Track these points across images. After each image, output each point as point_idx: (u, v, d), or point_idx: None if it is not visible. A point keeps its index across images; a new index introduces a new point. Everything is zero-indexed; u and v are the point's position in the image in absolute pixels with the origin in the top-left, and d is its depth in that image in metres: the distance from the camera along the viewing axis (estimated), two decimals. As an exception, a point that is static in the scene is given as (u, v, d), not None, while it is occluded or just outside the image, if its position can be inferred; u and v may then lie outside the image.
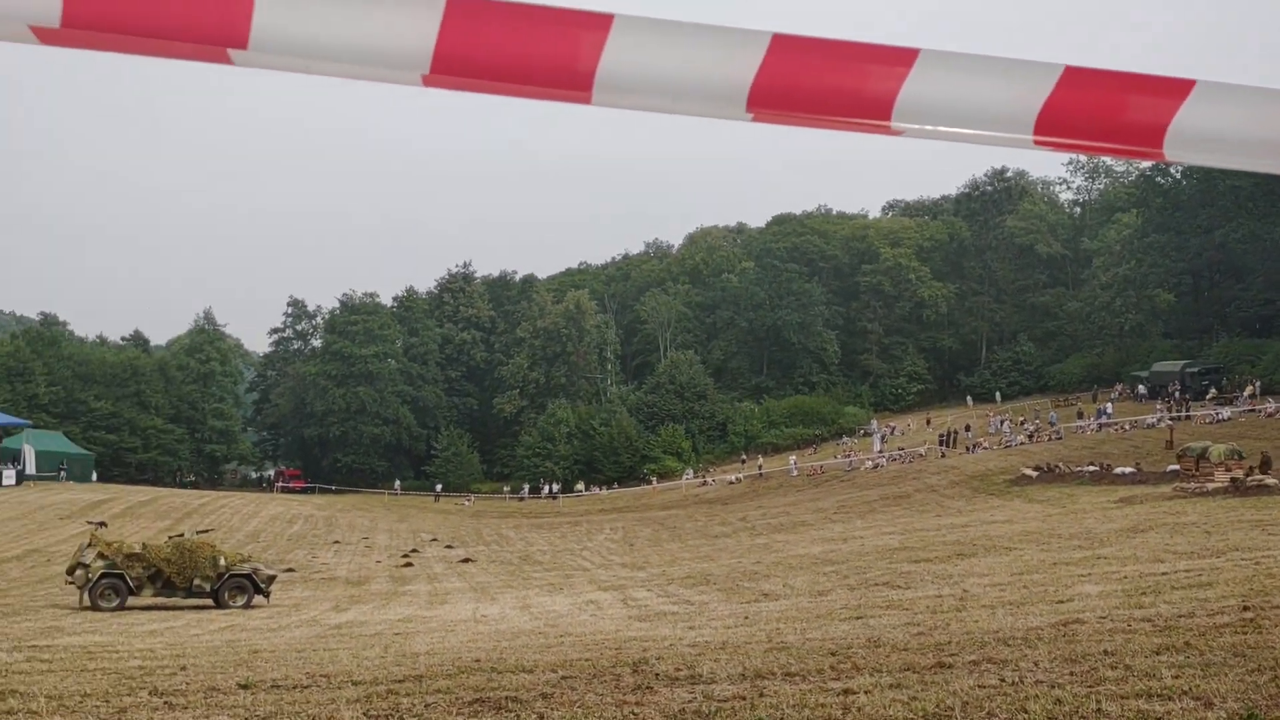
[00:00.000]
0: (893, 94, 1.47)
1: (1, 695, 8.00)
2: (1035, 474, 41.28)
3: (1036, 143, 1.53)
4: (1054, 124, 1.51)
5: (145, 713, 7.05)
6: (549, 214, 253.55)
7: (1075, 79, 1.50)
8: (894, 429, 71.56)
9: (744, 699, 6.55)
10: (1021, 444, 53.62)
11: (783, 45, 1.44)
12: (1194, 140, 1.56)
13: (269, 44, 1.33)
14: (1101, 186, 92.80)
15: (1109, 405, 59.41)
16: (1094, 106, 1.51)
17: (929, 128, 1.50)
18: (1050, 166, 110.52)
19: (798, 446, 73.41)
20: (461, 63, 1.36)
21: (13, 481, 51.81)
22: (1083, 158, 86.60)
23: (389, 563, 32.98)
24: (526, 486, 72.57)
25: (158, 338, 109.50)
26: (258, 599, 21.07)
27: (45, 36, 1.35)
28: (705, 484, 64.03)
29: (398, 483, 78.10)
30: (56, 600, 21.44)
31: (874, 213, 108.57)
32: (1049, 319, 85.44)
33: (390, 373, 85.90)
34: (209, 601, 20.75)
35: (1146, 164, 78.01)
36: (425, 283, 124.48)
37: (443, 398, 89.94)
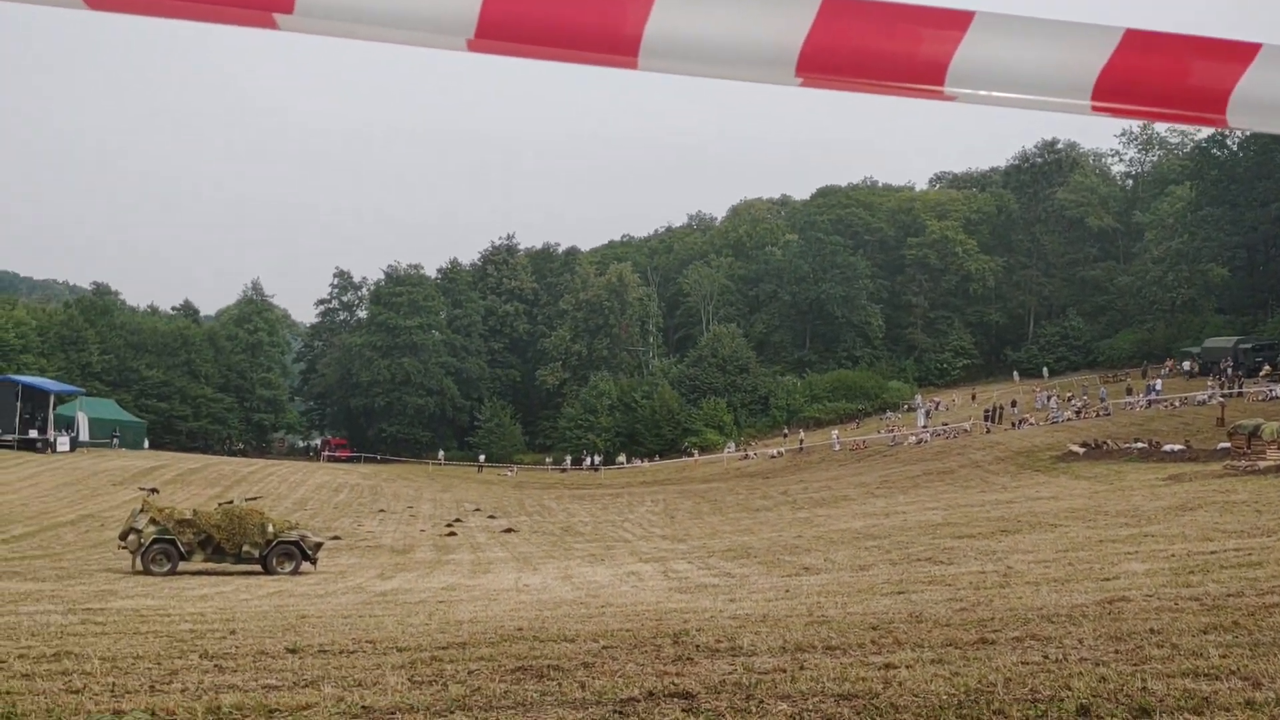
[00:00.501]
0: (947, 57, 1.43)
1: (57, 656, 8.21)
2: (1082, 450, 40.78)
3: (1094, 109, 1.49)
4: (1113, 89, 1.46)
5: (196, 675, 7.19)
6: (592, 186, 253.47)
7: (1136, 42, 1.45)
8: (938, 404, 70.97)
9: (784, 671, 6.56)
10: (1069, 420, 52.97)
11: (834, 7, 1.41)
12: (1259, 106, 1.51)
13: (314, 8, 1.33)
14: (1155, 158, 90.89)
15: (1158, 381, 58.46)
16: (1155, 71, 1.46)
17: (983, 93, 1.46)
18: (1102, 138, 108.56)
19: (840, 421, 73.08)
20: (506, 27, 1.35)
21: (67, 448, 52.89)
22: (1136, 128, 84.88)
23: (433, 532, 33.35)
24: (568, 458, 72.93)
25: (207, 308, 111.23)
26: (305, 565, 21.41)
27: (93, 2, 1.36)
28: (746, 457, 63.98)
29: (441, 453, 78.84)
30: (110, 564, 21.92)
31: (921, 185, 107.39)
32: (1099, 293, 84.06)
33: (434, 344, 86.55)
34: (257, 567, 21.11)
35: (1202, 135, 76.31)
36: (469, 255, 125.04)
37: (486, 369, 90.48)
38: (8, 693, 6.37)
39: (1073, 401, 58.90)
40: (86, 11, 1.35)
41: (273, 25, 1.32)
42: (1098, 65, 1.46)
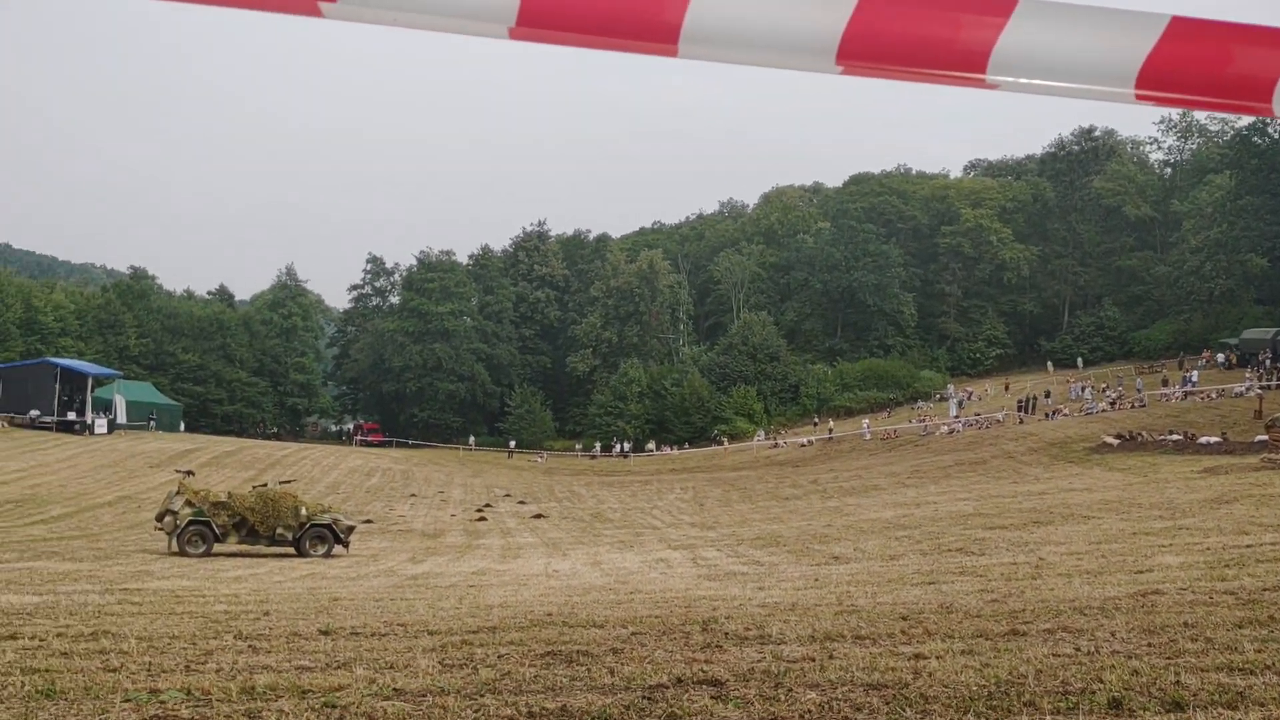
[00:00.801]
0: (989, 45, 1.42)
1: (95, 635, 8.34)
2: (1117, 442, 40.37)
3: (1138, 97, 1.47)
4: (1158, 77, 1.44)
5: (230, 655, 7.29)
6: (623, 173, 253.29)
7: (1181, 30, 1.43)
8: (971, 394, 70.48)
9: (813, 660, 6.56)
10: (1103, 411, 52.44)
11: (874, -6, 1.40)
12: (1306, 95, 1.48)
13: (357, -4, 1.34)
14: (1194, 146, 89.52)
15: (1195, 373, 57.75)
16: (1200, 59, 1.44)
17: (1026, 81, 1.44)
18: (1140, 125, 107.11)
19: (871, 410, 72.75)
20: (547, 14, 1.35)
21: (105, 430, 53.63)
22: (1175, 115, 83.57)
23: (463, 516, 33.56)
24: (598, 445, 73.08)
25: (242, 293, 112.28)
26: (337, 549, 21.62)
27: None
28: (776, 446, 63.85)
29: (472, 438, 79.25)
30: (146, 545, 22.23)
31: (955, 172, 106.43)
32: (1135, 283, 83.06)
33: (466, 330, 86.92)
34: (290, 550, 21.33)
35: (1242, 123, 75.01)
36: (500, 241, 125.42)
37: (516, 355, 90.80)
38: (47, 670, 6.49)
39: (1107, 392, 58.31)
40: (147, 3, 1.36)
41: (317, 13, 1.33)
42: (1142, 53, 1.44)
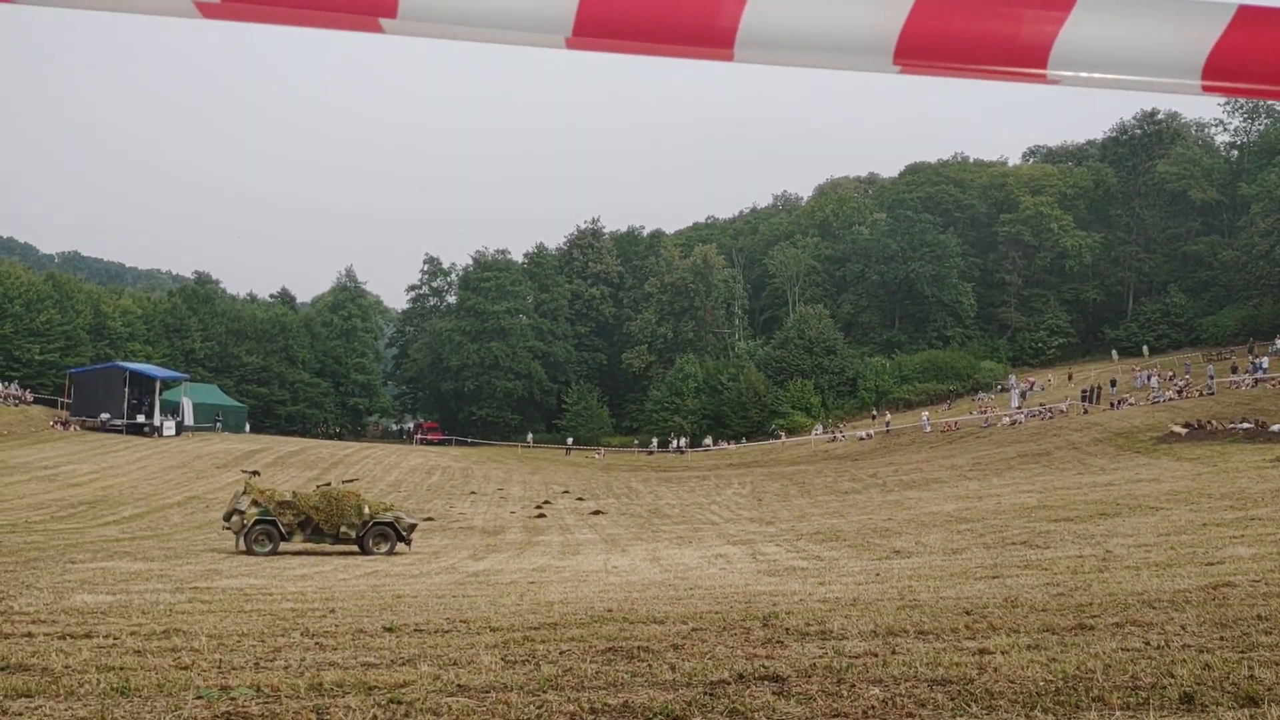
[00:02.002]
0: (1049, 40, 1.40)
1: (166, 633, 8.54)
2: (1185, 431, 39.48)
3: (1205, 88, 1.43)
4: (1224, 68, 1.40)
5: (298, 653, 7.42)
6: (677, 168, 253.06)
7: (1249, 19, 1.39)
8: (1033, 384, 69.34)
9: (875, 655, 6.52)
10: (1170, 400, 51.31)
11: (932, -8, 1.38)
12: (1377, 80, 1.43)
13: (417, 11, 1.35)
14: (1262, 128, 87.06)
15: (1265, 359, 56.27)
16: (1269, 48, 1.40)
17: (1088, 75, 1.42)
18: (1205, 107, 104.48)
19: (931, 402, 71.92)
20: (604, 24, 1.36)
21: (173, 432, 54.81)
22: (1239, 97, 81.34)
23: (523, 513, 33.80)
24: (655, 440, 73.14)
25: (303, 295, 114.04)
26: (400, 546, 21.90)
27: (208, 11, 1.41)
28: (835, 440, 63.42)
29: (530, 436, 79.76)
30: (215, 544, 22.70)
31: (1014, 160, 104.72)
32: (1202, 269, 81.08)
33: (522, 328, 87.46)
34: (354, 548, 21.66)
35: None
36: (555, 239, 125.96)
37: (572, 353, 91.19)
38: (121, 668, 6.66)
39: (1174, 380, 57.03)
40: (202, 20, 1.40)
41: (378, 29, 1.36)
42: (1208, 43, 1.41)
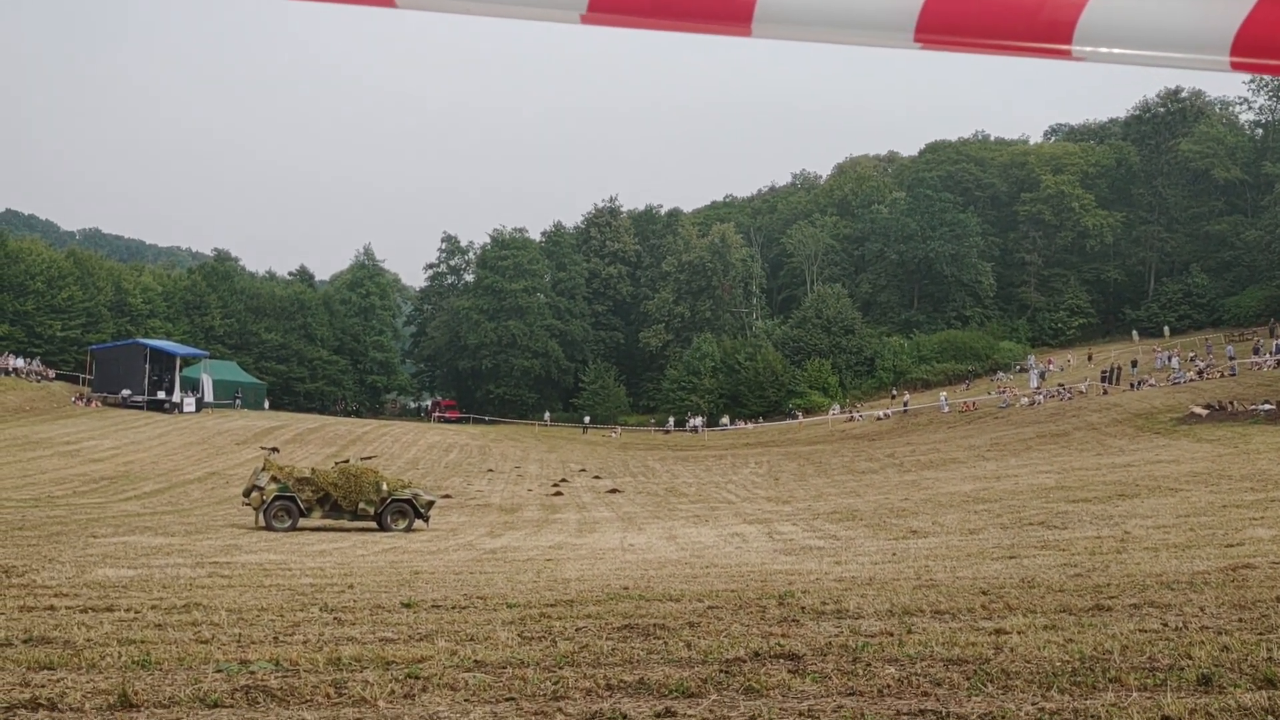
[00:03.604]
0: (1075, 15, 1.36)
1: (187, 608, 8.63)
2: (1205, 412, 39.21)
3: (1234, 65, 1.40)
4: (1254, 44, 1.36)
5: (317, 627, 7.49)
6: (694, 146, 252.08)
7: (1279, -6, 1.36)
8: (1052, 364, 68.97)
9: (891, 635, 6.52)
10: (1191, 381, 50.93)
11: (953, -33, 1.35)
12: None
13: (431, -15, 1.34)
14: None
15: (1289, 341, 55.74)
16: (1302, 22, 1.36)
17: (1113, 51, 1.39)
18: (1230, 86, 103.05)
19: (949, 382, 71.62)
20: (619, 0, 1.34)
21: (193, 409, 55.16)
22: (1268, 76, 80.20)
23: (540, 491, 33.92)
24: (672, 419, 73.17)
25: (321, 273, 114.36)
26: (418, 523, 22.02)
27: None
28: (852, 419, 63.29)
29: (547, 414, 79.92)
30: (234, 520, 22.89)
31: (1035, 138, 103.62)
32: (1224, 249, 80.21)
33: (539, 307, 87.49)
34: (372, 524, 21.80)
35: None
36: (573, 218, 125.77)
37: (590, 331, 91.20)
38: (142, 641, 6.73)
39: (1195, 361, 56.60)
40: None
41: (391, 3, 1.35)
42: (1237, 19, 1.37)
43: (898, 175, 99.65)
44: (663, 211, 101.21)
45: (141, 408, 54.00)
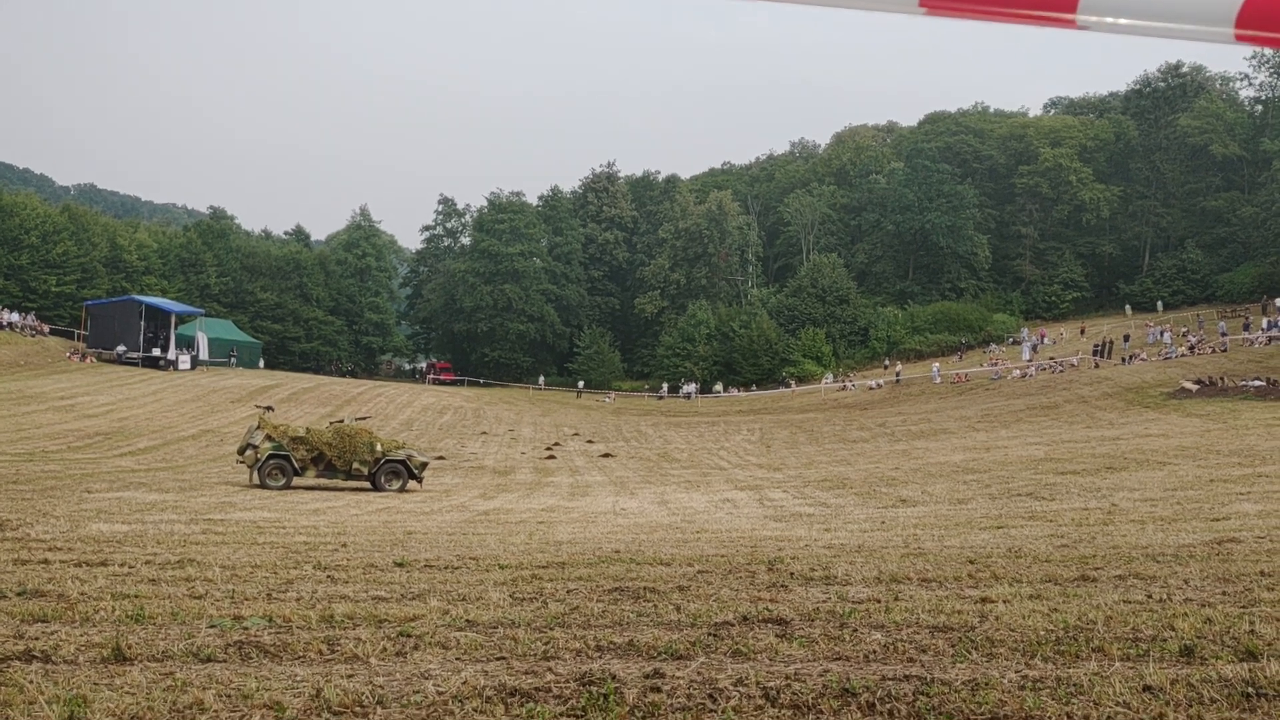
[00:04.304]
0: (1081, -18, 1.35)
1: (181, 563, 8.68)
2: (1195, 387, 39.37)
3: (1238, 37, 1.39)
4: (1260, 15, 1.36)
5: (310, 585, 7.54)
6: (693, 113, 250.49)
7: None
8: (1045, 337, 69.12)
9: (879, 602, 6.58)
10: (1182, 356, 51.10)
11: (956, -68, 1.34)
12: None
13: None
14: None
15: (1281, 317, 55.87)
16: (1310, -6, 1.35)
17: (1118, 21, 1.38)
18: (1231, 61, 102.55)
19: (942, 354, 71.75)
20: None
21: (188, 366, 55.14)
22: (1270, 51, 79.78)
23: (533, 454, 34.02)
24: (665, 385, 73.30)
25: (318, 233, 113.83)
26: (411, 484, 22.11)
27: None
28: (844, 388, 63.44)
29: (541, 378, 80.00)
30: (228, 478, 22.95)
31: (1035, 110, 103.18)
32: (1220, 225, 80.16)
33: (535, 271, 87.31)
34: (366, 484, 21.88)
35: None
36: (570, 182, 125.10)
37: (585, 297, 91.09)
38: (136, 596, 6.78)
39: (1188, 336, 56.74)
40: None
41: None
42: (1244, -10, 1.36)
43: (896, 145, 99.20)
44: (660, 178, 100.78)
45: (137, 364, 53.98)
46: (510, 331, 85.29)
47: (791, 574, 8.04)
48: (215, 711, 4.00)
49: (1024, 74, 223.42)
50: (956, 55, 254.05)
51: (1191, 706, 3.99)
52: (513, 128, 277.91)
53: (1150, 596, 6.60)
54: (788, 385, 68.64)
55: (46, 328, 60.24)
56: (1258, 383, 38.14)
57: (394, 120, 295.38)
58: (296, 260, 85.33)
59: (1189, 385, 39.93)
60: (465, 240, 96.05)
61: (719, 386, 72.13)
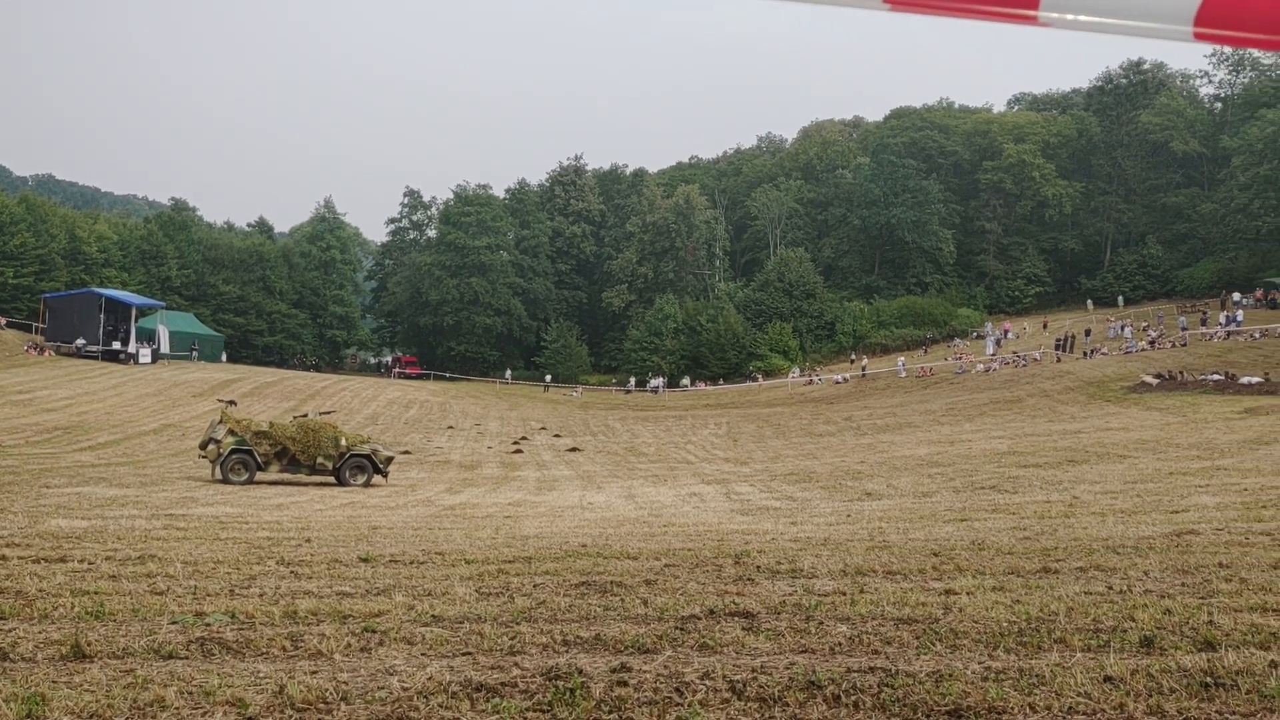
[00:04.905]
0: (1043, -22, 1.36)
1: (142, 559, 8.57)
2: (1155, 381, 39.93)
3: (1197, 35, 1.41)
4: (1218, 14, 1.37)
5: (274, 580, 7.48)
6: (661, 107, 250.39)
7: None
8: (1008, 332, 69.83)
9: (844, 594, 6.62)
10: (1143, 350, 51.81)
11: (921, -73, 1.35)
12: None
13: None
14: (1246, 80, 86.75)
15: (1239, 312, 56.80)
16: (1263, -3, 1.37)
17: (1079, 18, 1.38)
18: (1191, 58, 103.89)
19: (907, 348, 72.30)
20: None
21: (149, 360, 54.42)
22: (1229, 49, 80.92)
23: (500, 449, 33.91)
24: (633, 380, 73.32)
25: (281, 225, 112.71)
26: (376, 478, 21.96)
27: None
28: (811, 382, 63.75)
29: (509, 372, 79.72)
30: (190, 472, 22.69)
31: (999, 106, 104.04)
32: (1180, 221, 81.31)
33: (502, 264, 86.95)
34: (331, 479, 21.71)
35: (1300, 56, 72.54)
36: (537, 175, 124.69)
37: (553, 290, 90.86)
38: (96, 592, 6.69)
39: (1148, 331, 57.55)
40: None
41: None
42: (1202, -10, 1.37)
43: (862, 140, 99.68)
44: (628, 171, 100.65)
45: (96, 358, 53.19)
46: (477, 325, 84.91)
47: (758, 567, 8.08)
48: (177, 709, 3.95)
49: (988, 70, 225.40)
50: (922, 51, 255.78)
51: (1151, 696, 4.05)
52: (479, 120, 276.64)
53: (1111, 588, 6.68)
54: (755, 379, 68.87)
55: (4, 320, 59.22)
56: (1216, 377, 38.74)
57: (359, 112, 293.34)
58: (260, 252, 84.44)
59: (1149, 379, 40.49)
60: (431, 233, 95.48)
61: (686, 380, 72.25)
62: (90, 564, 8.17)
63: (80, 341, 54.12)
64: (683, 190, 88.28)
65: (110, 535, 10.63)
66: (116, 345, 55.09)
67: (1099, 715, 3.88)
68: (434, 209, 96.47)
